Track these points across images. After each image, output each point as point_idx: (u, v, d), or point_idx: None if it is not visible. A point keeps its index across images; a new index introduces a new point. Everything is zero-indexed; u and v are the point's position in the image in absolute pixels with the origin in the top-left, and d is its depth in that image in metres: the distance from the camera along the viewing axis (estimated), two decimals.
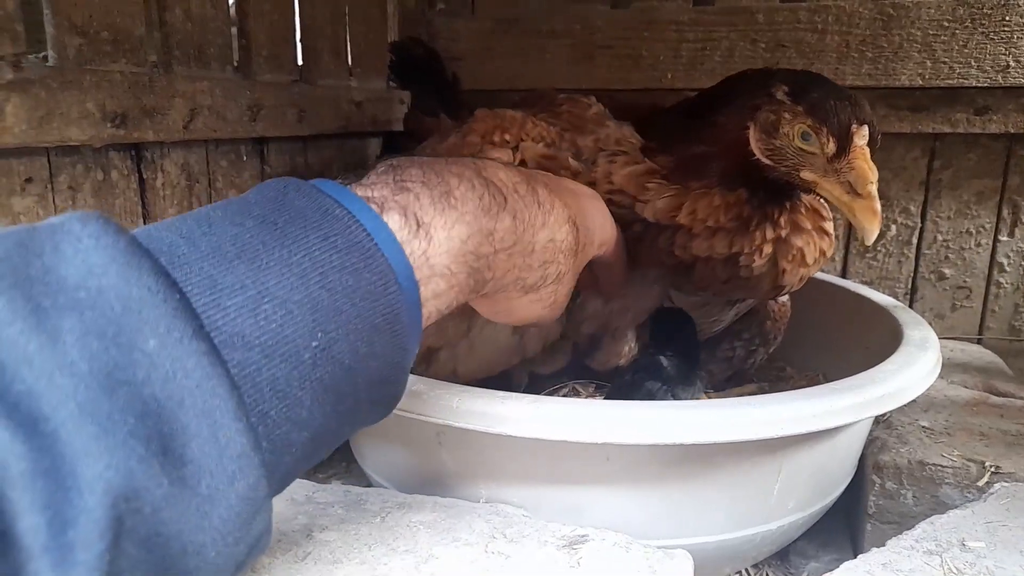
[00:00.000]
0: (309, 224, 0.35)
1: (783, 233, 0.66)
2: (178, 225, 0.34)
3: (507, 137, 0.70)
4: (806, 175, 0.61)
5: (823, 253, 0.70)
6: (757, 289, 0.69)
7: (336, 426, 0.37)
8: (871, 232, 0.57)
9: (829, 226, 0.70)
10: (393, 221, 0.38)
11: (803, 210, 0.68)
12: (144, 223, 0.75)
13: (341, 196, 0.37)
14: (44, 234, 0.29)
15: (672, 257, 0.67)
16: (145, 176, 0.75)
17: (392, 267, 0.37)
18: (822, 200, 0.68)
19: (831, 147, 0.59)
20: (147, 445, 0.28)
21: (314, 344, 0.33)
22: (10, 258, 0.28)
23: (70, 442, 0.26)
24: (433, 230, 0.40)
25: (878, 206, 0.57)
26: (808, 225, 0.68)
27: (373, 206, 0.38)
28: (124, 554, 0.27)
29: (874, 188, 0.57)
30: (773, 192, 0.65)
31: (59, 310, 0.28)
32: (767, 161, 0.63)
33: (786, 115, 0.61)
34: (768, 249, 0.66)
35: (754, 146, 0.64)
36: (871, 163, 0.58)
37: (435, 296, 0.41)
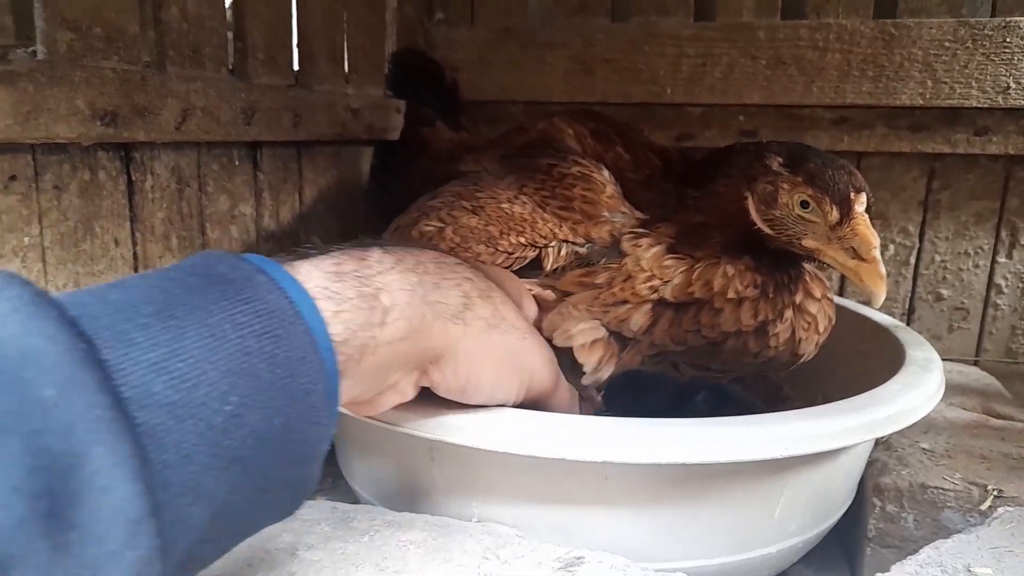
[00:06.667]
0: (231, 288, 0.34)
1: (798, 299, 0.66)
2: (95, 288, 0.33)
3: (522, 240, 0.69)
4: (808, 243, 0.62)
5: (831, 320, 0.70)
6: (777, 361, 0.68)
7: (241, 506, 0.34)
8: (878, 296, 0.59)
9: (831, 294, 0.71)
10: (319, 293, 0.38)
11: (808, 277, 0.68)
12: (132, 227, 0.73)
13: (264, 264, 0.37)
14: None
15: (700, 337, 0.65)
16: (134, 178, 0.73)
17: (314, 336, 0.36)
18: (823, 268, 0.69)
19: (834, 215, 0.60)
20: (32, 503, 0.25)
21: (227, 408, 0.32)
22: None
23: None
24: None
25: (883, 269, 0.59)
26: (818, 293, 0.68)
27: (299, 276, 0.38)
28: None
29: (878, 252, 0.59)
30: (777, 260, 0.66)
31: None
32: (768, 231, 0.64)
33: (784, 185, 0.62)
34: (788, 314, 0.65)
35: (754, 216, 0.64)
36: (872, 229, 0.59)
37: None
